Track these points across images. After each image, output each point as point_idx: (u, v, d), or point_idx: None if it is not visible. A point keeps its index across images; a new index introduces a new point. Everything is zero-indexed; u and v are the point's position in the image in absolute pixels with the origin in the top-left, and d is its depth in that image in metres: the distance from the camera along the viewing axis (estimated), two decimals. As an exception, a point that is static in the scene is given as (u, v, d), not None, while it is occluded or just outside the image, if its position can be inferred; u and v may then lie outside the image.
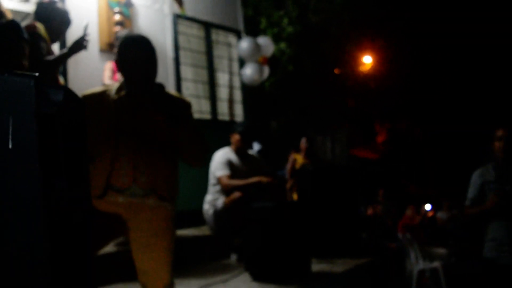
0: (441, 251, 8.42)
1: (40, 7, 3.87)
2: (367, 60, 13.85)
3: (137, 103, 2.69)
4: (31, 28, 3.67)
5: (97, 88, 2.87)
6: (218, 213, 5.02)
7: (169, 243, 2.74)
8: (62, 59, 3.80)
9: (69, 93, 1.40)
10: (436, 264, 7.60)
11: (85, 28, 3.63)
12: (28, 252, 1.22)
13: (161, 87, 2.72)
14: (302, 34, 10.37)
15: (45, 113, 1.23)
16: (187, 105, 2.82)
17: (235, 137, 5.22)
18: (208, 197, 5.16)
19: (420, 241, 8.27)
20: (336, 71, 12.60)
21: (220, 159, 5.11)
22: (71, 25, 3.93)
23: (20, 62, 3.17)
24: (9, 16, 3.61)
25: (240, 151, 5.23)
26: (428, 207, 10.01)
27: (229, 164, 5.09)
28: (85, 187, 1.60)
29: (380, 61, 14.02)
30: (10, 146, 1.17)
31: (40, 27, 3.72)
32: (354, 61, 13.31)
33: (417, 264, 7.71)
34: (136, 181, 2.64)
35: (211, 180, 5.15)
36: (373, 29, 13.00)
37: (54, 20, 3.81)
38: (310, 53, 10.69)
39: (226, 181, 4.99)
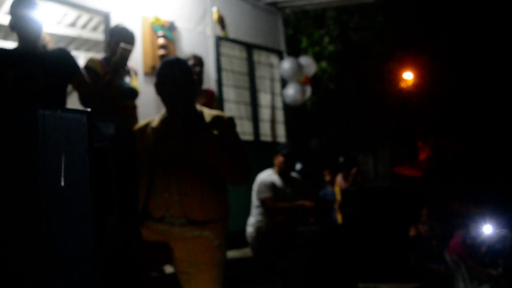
0: (490, 272, 8.13)
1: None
2: (408, 76, 13.67)
3: (173, 127, 2.63)
4: (86, 62, 3.79)
5: (142, 121, 2.87)
6: (262, 236, 4.97)
7: (212, 276, 2.60)
8: (107, 84, 3.80)
9: (120, 126, 1.38)
10: (484, 287, 7.35)
11: (119, 50, 3.63)
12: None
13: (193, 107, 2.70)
14: (344, 53, 10.31)
15: (97, 148, 1.21)
16: (225, 122, 2.72)
17: (279, 159, 5.18)
18: (251, 220, 5.12)
19: (468, 263, 8.01)
20: (378, 88, 12.46)
21: (264, 181, 5.07)
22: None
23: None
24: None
25: (283, 173, 5.18)
26: (488, 229, 9.62)
27: (273, 186, 5.04)
28: (135, 221, 1.57)
29: (422, 77, 13.79)
30: (62, 183, 1.15)
31: (94, 59, 3.80)
32: (396, 77, 13.15)
33: (464, 286, 7.47)
34: (169, 210, 2.56)
35: (254, 202, 5.11)
36: (415, 44, 12.81)
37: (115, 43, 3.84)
38: (351, 71, 10.62)
39: (269, 203, 4.94)
